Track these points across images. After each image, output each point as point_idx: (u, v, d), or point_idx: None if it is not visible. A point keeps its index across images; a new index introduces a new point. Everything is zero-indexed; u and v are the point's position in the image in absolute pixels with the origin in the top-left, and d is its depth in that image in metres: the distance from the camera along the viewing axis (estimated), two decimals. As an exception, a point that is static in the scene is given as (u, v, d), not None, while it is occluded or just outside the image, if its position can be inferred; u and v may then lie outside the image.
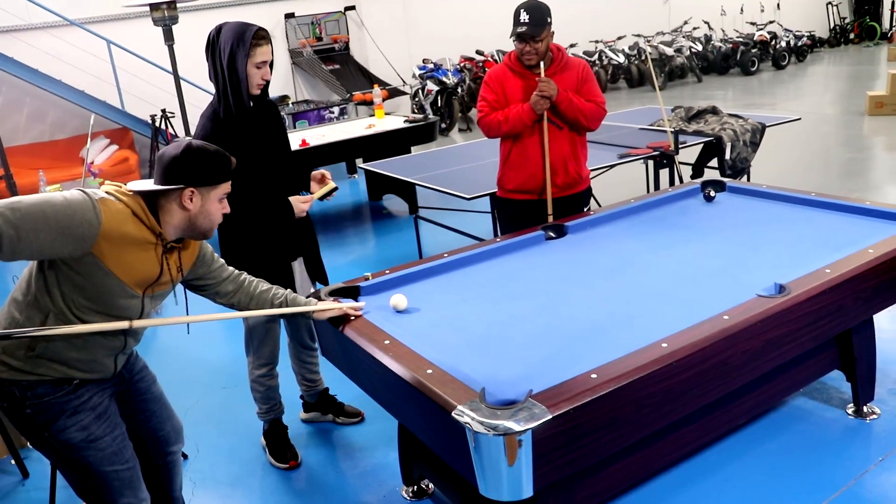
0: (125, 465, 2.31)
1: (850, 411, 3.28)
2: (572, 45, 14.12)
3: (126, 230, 2.07)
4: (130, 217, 2.10)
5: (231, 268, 2.59)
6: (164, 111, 9.29)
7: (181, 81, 8.08)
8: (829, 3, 19.63)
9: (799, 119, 6.72)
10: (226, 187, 2.28)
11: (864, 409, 3.26)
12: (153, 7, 7.59)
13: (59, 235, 1.94)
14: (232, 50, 2.88)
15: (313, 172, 3.26)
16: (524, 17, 3.58)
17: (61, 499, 3.13)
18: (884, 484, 2.83)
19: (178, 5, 7.85)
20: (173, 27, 7.75)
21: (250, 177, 3.01)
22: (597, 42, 14.62)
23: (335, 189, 3.22)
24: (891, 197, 6.43)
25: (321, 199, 3.20)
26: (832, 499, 2.78)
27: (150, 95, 9.88)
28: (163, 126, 9.29)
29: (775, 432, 3.21)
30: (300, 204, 3.09)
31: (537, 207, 3.79)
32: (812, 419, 3.28)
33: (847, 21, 19.86)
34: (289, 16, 11.59)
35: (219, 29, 2.93)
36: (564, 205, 3.80)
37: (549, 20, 3.62)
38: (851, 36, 19.69)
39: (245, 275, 2.62)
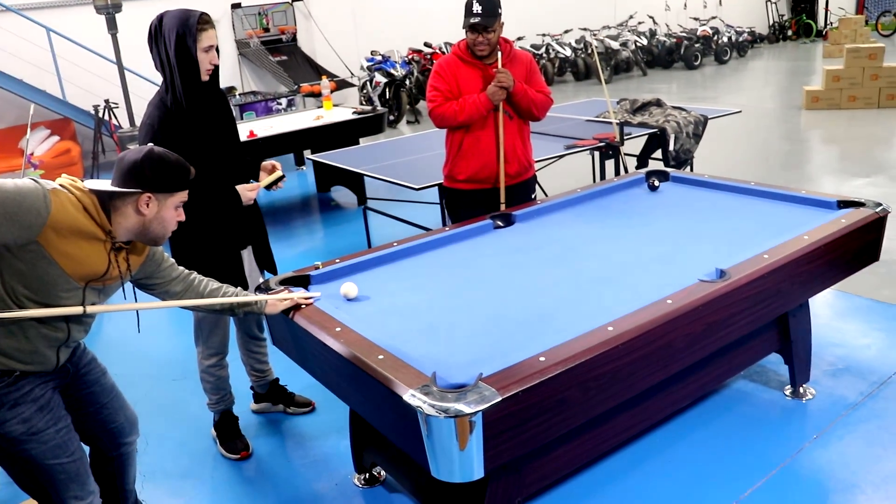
0: (70, 457, 2.29)
1: (787, 392, 3.41)
2: (520, 39, 14.20)
3: (74, 222, 2.06)
4: (81, 210, 2.08)
5: (181, 268, 2.57)
6: (107, 102, 9.09)
7: (125, 71, 7.95)
8: (769, 0, 20.13)
9: (739, 112, 6.89)
10: (183, 195, 2.28)
11: (801, 389, 3.38)
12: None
13: (5, 220, 1.92)
14: (178, 36, 2.84)
15: (263, 163, 3.25)
16: (477, 7, 3.60)
17: (6, 495, 3.07)
18: (818, 460, 2.96)
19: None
20: (117, 15, 7.60)
21: (198, 166, 2.98)
22: (544, 35, 14.75)
23: (282, 177, 3.20)
24: (826, 186, 6.65)
25: (268, 187, 3.18)
26: (771, 475, 2.89)
27: (93, 85, 9.66)
28: (106, 117, 9.09)
29: (717, 414, 3.31)
30: (247, 192, 3.07)
31: (488, 196, 3.84)
32: (752, 400, 3.39)
33: (785, 18, 20.40)
34: (235, 6, 11.43)
35: (160, 18, 2.89)
36: (514, 192, 3.86)
37: (499, 11, 3.66)
38: (789, 33, 20.23)
39: (195, 274, 2.60)
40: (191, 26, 2.83)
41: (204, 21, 2.87)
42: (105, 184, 2.17)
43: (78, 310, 2.14)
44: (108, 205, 2.16)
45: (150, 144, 2.24)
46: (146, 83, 9.20)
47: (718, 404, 3.38)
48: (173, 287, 2.52)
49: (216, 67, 3.00)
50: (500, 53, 3.70)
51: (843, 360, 3.67)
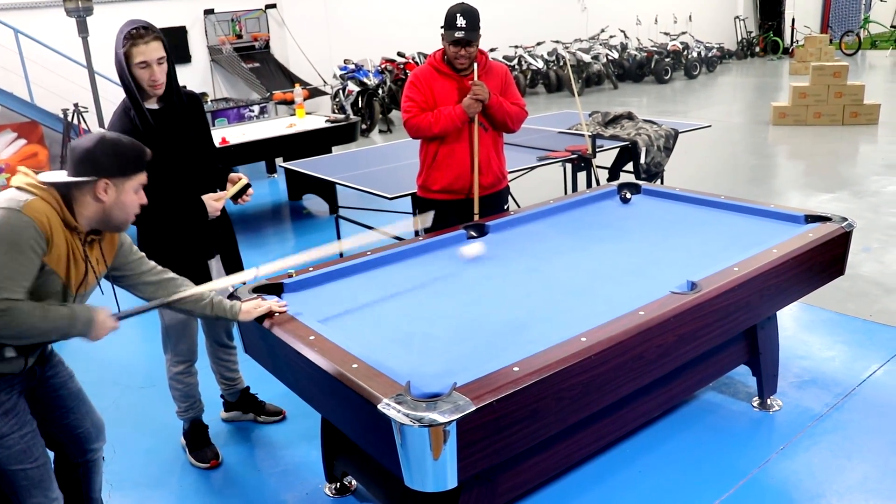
0: (34, 463, 2.25)
1: (755, 404, 3.45)
2: (492, 50, 14.26)
3: (54, 227, 2.06)
4: (53, 213, 2.07)
5: (153, 262, 2.54)
6: (76, 105, 8.97)
7: (96, 75, 7.85)
8: (737, 17, 20.47)
9: (709, 126, 7.00)
10: (141, 178, 2.25)
11: (768, 401, 3.43)
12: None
13: (20, 267, 1.98)
14: (116, 52, 2.79)
15: (231, 175, 3.20)
16: (461, 21, 3.58)
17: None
18: (784, 470, 3.00)
19: (93, -4, 7.61)
20: (88, 18, 7.51)
21: (162, 176, 2.95)
22: (516, 47, 14.85)
23: (248, 186, 3.16)
24: (792, 201, 6.76)
25: (234, 198, 3.14)
26: (738, 486, 2.92)
27: (62, 89, 9.53)
28: (75, 121, 8.98)
29: (686, 425, 3.34)
30: (213, 202, 3.03)
31: (462, 207, 3.85)
32: (720, 412, 3.44)
33: (753, 35, 20.75)
34: (208, 12, 11.36)
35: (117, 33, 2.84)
36: (488, 203, 3.87)
37: (479, 25, 3.65)
38: (757, 49, 20.58)
39: (170, 273, 2.57)
40: (120, 43, 2.76)
41: (133, 36, 2.75)
42: (61, 175, 2.14)
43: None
44: (68, 197, 2.13)
45: (102, 130, 2.20)
46: (116, 87, 9.10)
47: (688, 415, 3.42)
48: (145, 278, 2.48)
49: (172, 78, 2.92)
50: (475, 66, 3.70)
51: (809, 372, 3.73)
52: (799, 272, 3.01)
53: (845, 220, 3.24)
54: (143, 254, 2.53)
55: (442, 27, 3.65)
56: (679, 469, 3.04)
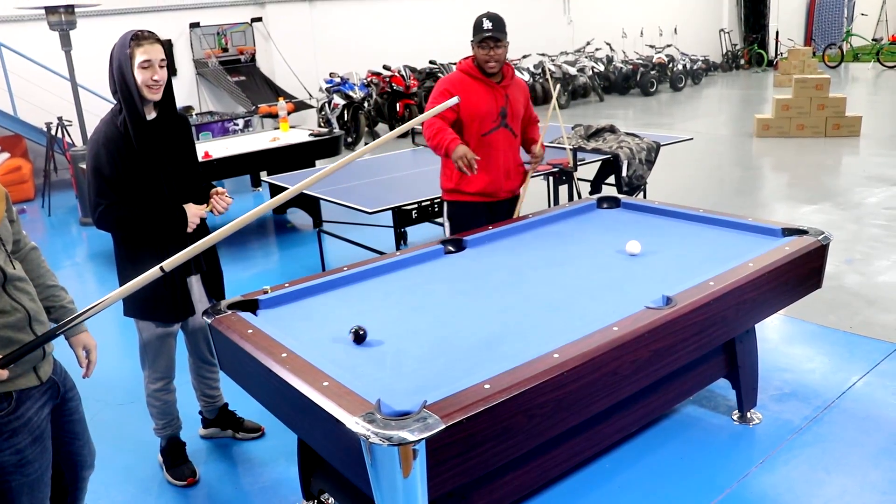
0: (41, 493, 2.20)
1: (735, 417, 3.45)
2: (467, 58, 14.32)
3: None
4: None
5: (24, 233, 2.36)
6: (60, 119, 8.94)
7: (79, 88, 7.82)
8: (722, 30, 20.63)
9: (691, 139, 7.02)
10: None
11: (748, 414, 3.43)
12: (49, 10, 7.33)
13: None
14: (118, 58, 2.84)
15: (212, 191, 3.20)
16: (487, 24, 3.81)
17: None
18: (763, 484, 3.00)
19: (77, 10, 7.59)
20: (71, 32, 7.49)
21: (145, 190, 2.94)
22: (503, 60, 14.88)
23: (227, 195, 3.18)
24: (776, 213, 6.80)
25: (214, 210, 3.14)
26: (718, 500, 2.91)
27: (46, 102, 9.49)
28: (59, 134, 8.94)
29: (666, 439, 3.34)
30: (193, 216, 3.03)
31: (492, 208, 4.03)
32: (700, 426, 3.43)
33: (738, 48, 20.91)
34: (194, 25, 11.36)
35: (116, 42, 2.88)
36: (510, 204, 4.11)
37: (506, 30, 3.87)
38: (742, 62, 20.73)
39: (38, 252, 2.38)
40: (125, 44, 2.82)
41: (139, 37, 2.83)
42: None
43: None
44: None
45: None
46: (100, 101, 9.08)
47: (667, 429, 3.41)
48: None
49: (169, 89, 2.97)
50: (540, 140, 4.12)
51: (789, 385, 3.74)
52: (776, 286, 3.01)
53: (822, 233, 3.25)
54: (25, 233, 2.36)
55: (472, 39, 3.89)
56: (658, 484, 3.03)
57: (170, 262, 2.13)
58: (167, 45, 11.32)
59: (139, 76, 2.83)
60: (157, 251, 3.02)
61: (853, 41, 21.07)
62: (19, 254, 2.29)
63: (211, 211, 3.13)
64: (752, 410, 3.45)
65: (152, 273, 2.10)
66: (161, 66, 2.87)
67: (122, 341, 4.69)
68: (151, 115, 2.97)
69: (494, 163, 3.93)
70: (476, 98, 3.87)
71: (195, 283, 3.22)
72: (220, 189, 3.18)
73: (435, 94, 3.94)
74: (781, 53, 20.09)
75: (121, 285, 3.10)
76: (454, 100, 3.01)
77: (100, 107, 8.54)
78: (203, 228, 3.16)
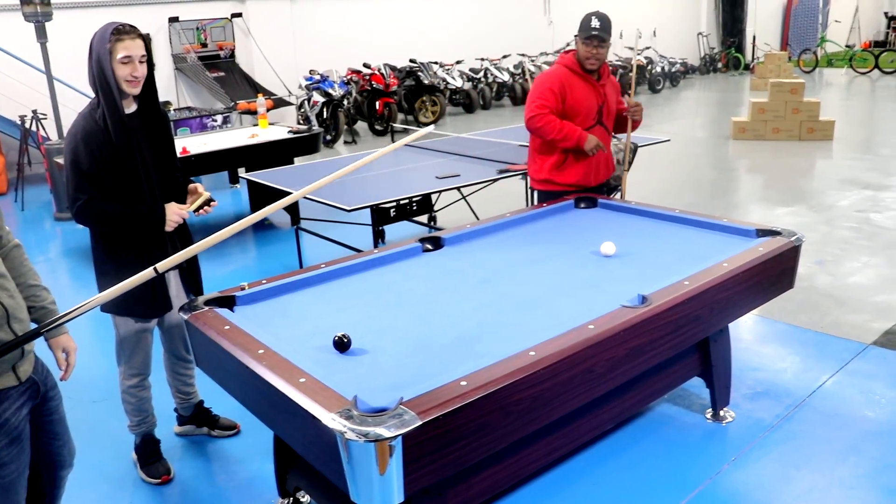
0: (16, 496, 2.15)
1: (708, 415, 3.49)
2: (459, 62, 14.35)
3: None
4: None
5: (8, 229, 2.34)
6: (35, 112, 8.84)
7: (55, 81, 7.74)
8: (700, 33, 20.82)
9: (668, 140, 7.08)
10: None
11: (721, 413, 3.47)
12: (24, 1, 7.24)
13: None
14: (97, 51, 2.81)
15: (190, 186, 3.17)
16: (595, 22, 4.00)
17: None
18: (734, 481, 3.04)
19: (54, 1, 7.51)
20: (47, 24, 7.41)
21: (123, 184, 2.93)
22: (482, 60, 14.93)
23: (211, 200, 3.13)
24: (751, 214, 6.88)
25: (195, 211, 3.10)
26: (691, 497, 2.95)
27: (21, 95, 9.37)
28: (34, 128, 8.84)
29: (640, 437, 3.37)
30: (175, 212, 3.00)
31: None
32: (674, 424, 3.47)
33: (716, 51, 21.12)
34: (173, 20, 11.27)
35: (95, 33, 2.86)
36: (601, 189, 4.48)
37: (610, 28, 4.04)
38: (719, 65, 20.94)
39: (21, 249, 2.35)
40: (106, 37, 2.79)
41: (120, 31, 2.80)
42: None
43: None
44: None
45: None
46: (76, 94, 8.98)
47: (642, 427, 3.44)
48: None
49: (151, 82, 2.95)
50: (630, 91, 4.42)
51: (761, 384, 3.79)
52: (749, 286, 3.05)
53: (795, 234, 3.30)
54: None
55: (576, 35, 4.10)
56: (632, 481, 3.06)
57: (164, 264, 2.14)
58: (147, 40, 11.27)
59: (119, 71, 2.80)
60: (136, 248, 3.01)
61: (827, 47, 21.38)
62: (2, 251, 2.27)
63: (194, 212, 3.10)
64: (725, 409, 3.49)
65: (145, 274, 2.10)
66: (141, 62, 2.85)
67: (96, 337, 4.65)
68: (131, 108, 2.96)
69: (592, 158, 4.20)
70: (580, 94, 4.12)
71: (173, 279, 3.21)
72: (198, 186, 3.15)
73: (539, 87, 4.14)
74: (758, 57, 20.33)
75: (99, 281, 3.08)
76: (428, 128, 3.03)
77: (76, 100, 8.44)
78: (183, 227, 3.15)
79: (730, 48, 20.96)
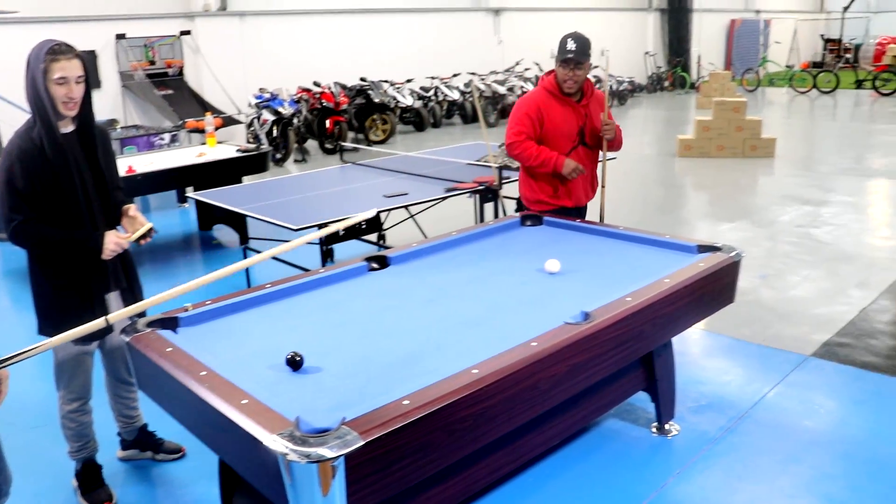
0: None
1: (653, 429, 3.54)
2: (409, 81, 14.41)
3: None
4: None
5: None
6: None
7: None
8: (647, 52, 21.27)
9: (615, 158, 7.20)
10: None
11: (666, 426, 3.53)
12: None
13: None
14: (32, 69, 2.76)
15: (124, 208, 3.08)
16: (571, 45, 3.96)
17: None
18: (679, 494, 3.09)
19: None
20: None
21: (59, 207, 2.86)
22: (433, 78, 15.02)
23: (152, 229, 3.02)
24: (697, 230, 7.03)
25: (137, 241, 3.01)
26: (636, 511, 2.99)
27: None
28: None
29: (587, 452, 3.40)
30: (113, 241, 2.92)
31: (575, 212, 4.31)
32: (620, 438, 3.51)
33: (662, 70, 21.57)
34: (120, 36, 11.12)
35: (31, 51, 2.80)
36: (577, 213, 4.35)
37: (590, 53, 4.01)
38: (666, 84, 21.39)
39: None
40: (40, 57, 2.73)
41: (56, 51, 2.74)
42: None
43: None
44: None
45: None
46: (16, 112, 8.77)
47: (588, 442, 3.48)
48: None
49: (87, 102, 2.89)
50: (606, 110, 4.25)
51: (706, 397, 3.86)
52: (691, 300, 3.11)
53: (734, 250, 3.38)
54: None
55: (553, 56, 4.09)
56: (580, 496, 3.09)
57: (115, 316, 2.20)
58: (90, 58, 11.10)
59: (54, 92, 2.75)
60: (75, 272, 2.95)
61: (769, 67, 22.01)
62: None
63: (135, 242, 3.03)
64: (670, 422, 3.55)
65: (96, 324, 2.07)
66: (78, 83, 2.79)
67: (34, 360, 4.52)
68: (68, 128, 2.90)
69: (574, 179, 4.19)
70: (558, 117, 4.10)
71: (114, 301, 3.15)
72: (136, 212, 3.07)
73: (516, 114, 4.15)
74: (703, 77, 20.82)
75: (36, 303, 3.01)
76: (371, 212, 3.02)
77: (15, 117, 8.26)
78: (125, 253, 3.09)
79: (676, 67, 21.43)
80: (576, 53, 3.95)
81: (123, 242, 2.96)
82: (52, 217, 2.86)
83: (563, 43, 3.99)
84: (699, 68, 21.82)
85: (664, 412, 3.51)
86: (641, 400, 3.66)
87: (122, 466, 3.49)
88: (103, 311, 3.05)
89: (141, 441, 3.51)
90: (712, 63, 22.10)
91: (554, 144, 4.13)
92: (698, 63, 21.87)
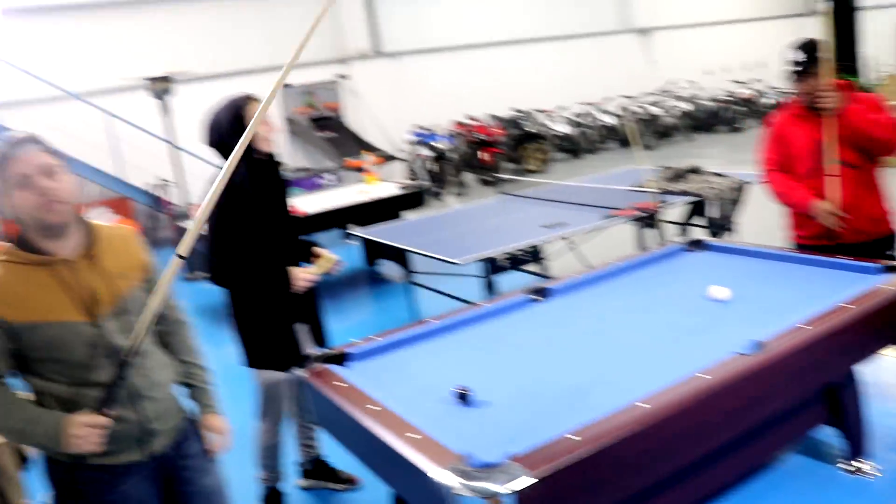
0: None
1: (845, 467, 3.24)
2: (562, 108, 14.40)
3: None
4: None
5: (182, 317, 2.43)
6: (164, 180, 9.43)
7: (179, 151, 8.29)
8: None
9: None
10: (20, 166, 1.97)
11: (859, 464, 3.22)
12: (152, 80, 7.84)
13: None
14: (229, 112, 3.09)
15: (316, 249, 3.37)
16: (795, 56, 3.61)
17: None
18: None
19: (179, 75, 8.09)
20: (171, 97, 7.98)
21: (256, 240, 3.12)
22: (586, 104, 14.92)
23: (337, 262, 3.33)
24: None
25: (326, 273, 3.31)
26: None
27: (149, 164, 10.02)
28: (161, 195, 9.43)
29: (770, 491, 3.18)
30: (301, 277, 3.18)
31: (847, 251, 3.53)
32: (807, 476, 3.24)
33: (829, 77, 20.25)
34: (286, 86, 11.86)
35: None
36: (866, 250, 3.54)
37: (817, 55, 3.56)
38: (835, 90, 20.06)
39: (183, 325, 2.41)
40: (234, 104, 3.08)
41: (249, 99, 3.08)
42: None
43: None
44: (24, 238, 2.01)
45: None
46: (200, 162, 9.53)
47: (772, 481, 3.22)
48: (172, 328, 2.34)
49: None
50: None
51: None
52: (875, 327, 2.89)
53: (926, 268, 3.11)
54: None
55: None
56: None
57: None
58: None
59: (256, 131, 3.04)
60: (266, 301, 3.19)
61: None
62: (168, 325, 2.32)
63: (328, 273, 3.28)
64: (863, 460, 3.25)
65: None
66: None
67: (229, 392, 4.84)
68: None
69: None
70: (794, 139, 3.73)
71: (302, 334, 3.35)
72: (322, 252, 3.34)
73: (763, 140, 3.91)
74: (879, 78, 19.36)
75: (244, 338, 3.25)
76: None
77: (199, 168, 8.97)
78: (312, 291, 3.31)
79: (842, 72, 20.06)
80: (800, 63, 3.58)
81: (311, 277, 3.21)
82: (245, 258, 3.12)
83: (787, 58, 3.63)
84: (873, 70, 20.29)
85: (855, 448, 3.23)
86: (825, 434, 3.39)
87: (302, 495, 3.66)
88: (294, 340, 3.26)
89: (318, 470, 3.67)
90: (891, 64, 20.49)
91: (795, 167, 3.73)
92: (873, 65, 20.35)
